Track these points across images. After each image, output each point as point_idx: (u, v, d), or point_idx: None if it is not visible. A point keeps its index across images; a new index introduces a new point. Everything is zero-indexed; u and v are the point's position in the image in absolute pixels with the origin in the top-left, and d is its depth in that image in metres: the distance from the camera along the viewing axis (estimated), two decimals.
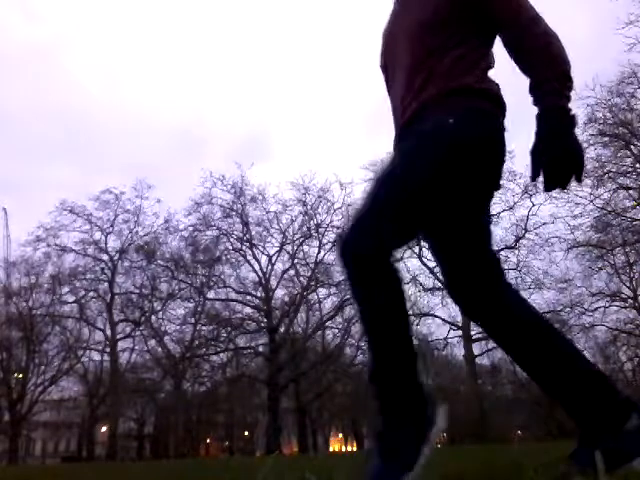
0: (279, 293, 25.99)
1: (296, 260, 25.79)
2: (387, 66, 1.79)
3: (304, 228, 25.72)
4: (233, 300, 26.39)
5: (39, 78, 74.94)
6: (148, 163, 63.78)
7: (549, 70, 1.48)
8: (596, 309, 24.78)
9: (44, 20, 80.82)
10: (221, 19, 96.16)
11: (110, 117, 78.64)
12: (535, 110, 1.49)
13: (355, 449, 34.26)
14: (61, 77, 77.20)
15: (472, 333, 25.12)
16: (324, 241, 25.15)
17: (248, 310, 26.52)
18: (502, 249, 25.48)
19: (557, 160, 1.40)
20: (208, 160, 62.03)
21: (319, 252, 25.20)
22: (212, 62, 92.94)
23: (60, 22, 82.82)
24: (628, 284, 24.87)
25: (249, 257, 25.99)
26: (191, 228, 25.27)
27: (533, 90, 1.51)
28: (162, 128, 78.32)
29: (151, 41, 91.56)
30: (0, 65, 70.57)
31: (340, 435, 47.86)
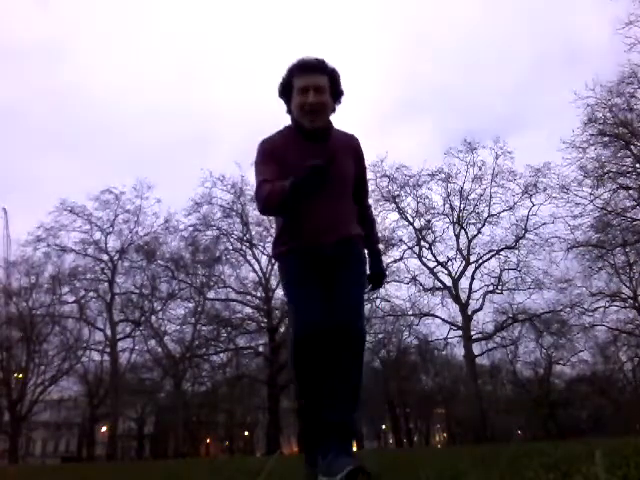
0: (279, 293, 25.92)
1: None
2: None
3: None
4: (233, 300, 26.39)
5: (41, 76, 74.95)
6: (150, 162, 63.88)
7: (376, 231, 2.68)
8: (596, 309, 24.79)
9: (49, 16, 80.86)
10: (230, 17, 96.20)
11: (113, 116, 78.65)
12: None
13: (355, 449, 34.27)
14: (64, 75, 77.20)
15: (472, 333, 25.13)
16: None
17: (248, 310, 26.52)
18: (502, 249, 25.50)
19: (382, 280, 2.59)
20: (211, 160, 62.11)
21: None
22: (218, 62, 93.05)
23: (65, 19, 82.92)
24: (628, 284, 24.87)
25: (249, 257, 26.00)
26: (191, 228, 25.27)
27: (375, 243, 2.59)
28: (165, 127, 78.31)
29: (157, 40, 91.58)
30: (2, 62, 70.59)
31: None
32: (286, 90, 2.39)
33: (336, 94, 2.40)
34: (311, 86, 2.29)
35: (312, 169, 2.03)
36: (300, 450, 25.51)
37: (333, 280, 2.28)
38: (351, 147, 2.45)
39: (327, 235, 2.30)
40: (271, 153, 2.32)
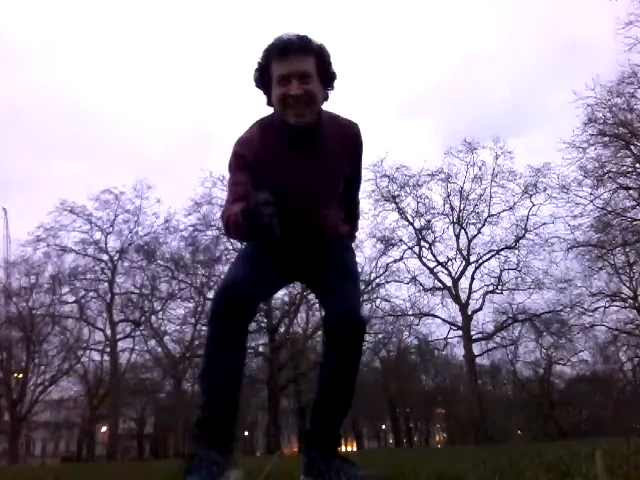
0: (279, 293, 25.95)
1: None
2: None
3: None
4: None
5: (41, 75, 74.98)
6: (149, 162, 63.82)
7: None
8: (596, 309, 24.80)
9: (48, 15, 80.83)
10: (229, 17, 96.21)
11: (112, 116, 78.66)
12: None
13: (355, 449, 34.26)
14: (64, 75, 77.22)
15: (472, 333, 25.15)
16: None
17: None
18: (502, 249, 25.51)
19: None
20: (211, 160, 62.00)
21: None
22: (219, 61, 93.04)
23: (65, 18, 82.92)
24: (628, 284, 24.88)
25: None
26: (191, 228, 25.23)
27: (352, 236, 2.32)
28: (165, 127, 78.33)
29: (156, 39, 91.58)
30: (3, 61, 70.64)
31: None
32: (264, 78, 1.92)
33: (326, 78, 1.93)
34: (294, 73, 1.84)
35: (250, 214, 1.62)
36: (300, 450, 25.54)
37: (322, 276, 2.05)
38: (346, 141, 2.01)
39: (309, 234, 2.05)
40: (246, 158, 1.93)
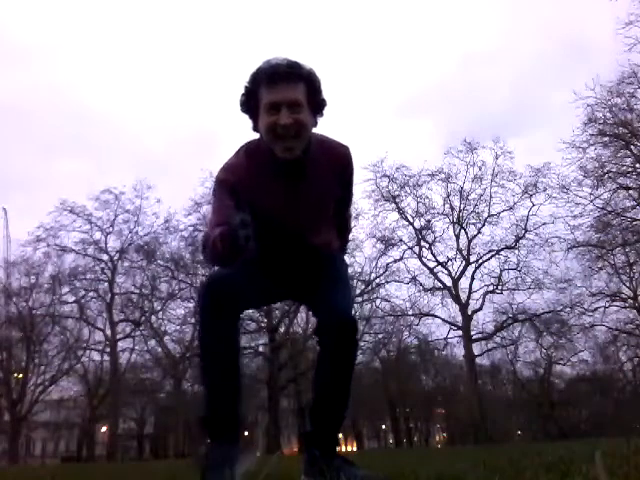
0: None
1: None
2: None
3: None
4: None
5: (42, 75, 74.95)
6: (149, 162, 63.79)
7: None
8: (596, 309, 24.80)
9: (48, 15, 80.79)
10: (231, 17, 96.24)
11: (113, 116, 78.63)
12: None
13: (355, 449, 34.27)
14: (64, 75, 77.23)
15: (472, 333, 25.15)
16: None
17: (248, 310, 26.46)
18: (502, 249, 25.51)
19: None
20: (213, 160, 61.97)
21: None
22: (220, 60, 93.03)
23: (65, 18, 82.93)
24: (628, 284, 24.88)
25: None
26: (191, 228, 25.27)
27: (343, 249, 2.34)
28: (165, 127, 78.31)
29: (158, 39, 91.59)
30: (4, 61, 70.60)
31: (340, 435, 47.90)
32: (250, 102, 1.84)
33: (316, 105, 1.88)
34: (283, 101, 1.76)
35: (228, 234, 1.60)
36: (300, 450, 25.56)
37: (315, 289, 2.05)
38: (336, 166, 1.97)
39: (300, 256, 2.05)
40: (229, 183, 1.86)
